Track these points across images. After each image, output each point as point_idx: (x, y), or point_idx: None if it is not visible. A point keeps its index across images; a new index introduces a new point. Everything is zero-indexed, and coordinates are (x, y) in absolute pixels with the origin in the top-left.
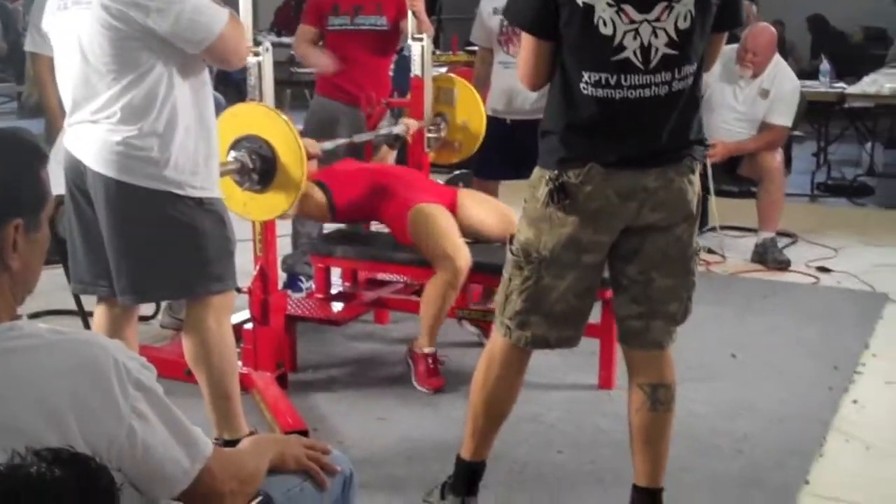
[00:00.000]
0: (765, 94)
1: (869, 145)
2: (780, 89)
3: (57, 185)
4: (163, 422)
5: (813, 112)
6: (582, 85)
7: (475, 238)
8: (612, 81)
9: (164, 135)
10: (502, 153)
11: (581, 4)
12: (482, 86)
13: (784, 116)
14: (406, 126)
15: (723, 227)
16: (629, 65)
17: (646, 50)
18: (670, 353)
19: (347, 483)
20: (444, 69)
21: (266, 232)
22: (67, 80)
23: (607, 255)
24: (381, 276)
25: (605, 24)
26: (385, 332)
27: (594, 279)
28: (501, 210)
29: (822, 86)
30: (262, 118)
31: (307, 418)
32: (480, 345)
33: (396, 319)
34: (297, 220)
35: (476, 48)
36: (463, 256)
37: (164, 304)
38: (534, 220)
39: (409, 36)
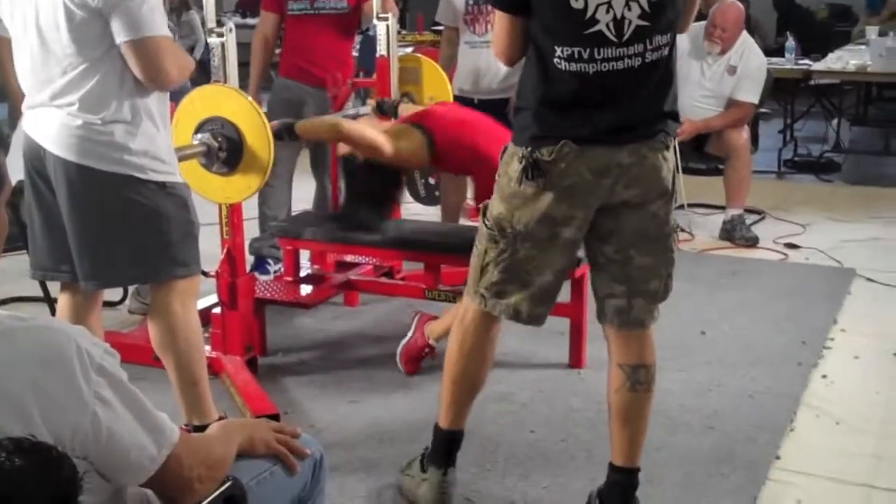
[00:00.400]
0: (732, 70)
1: (835, 122)
2: (747, 66)
3: (20, 169)
4: (127, 408)
5: (779, 89)
6: (555, 60)
7: None
8: (586, 55)
9: (130, 122)
10: None
11: None
12: (448, 66)
13: (751, 93)
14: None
15: (690, 205)
16: (602, 38)
17: (619, 23)
18: (651, 333)
19: (318, 466)
20: (409, 49)
21: (233, 215)
22: (26, 64)
23: (584, 235)
24: (350, 258)
25: None
26: (355, 315)
27: (569, 256)
28: None
29: (788, 63)
30: (227, 99)
31: (277, 402)
32: None
33: (366, 301)
34: (263, 203)
35: (442, 28)
36: None
37: (131, 288)
38: (507, 196)
39: (375, 16)
